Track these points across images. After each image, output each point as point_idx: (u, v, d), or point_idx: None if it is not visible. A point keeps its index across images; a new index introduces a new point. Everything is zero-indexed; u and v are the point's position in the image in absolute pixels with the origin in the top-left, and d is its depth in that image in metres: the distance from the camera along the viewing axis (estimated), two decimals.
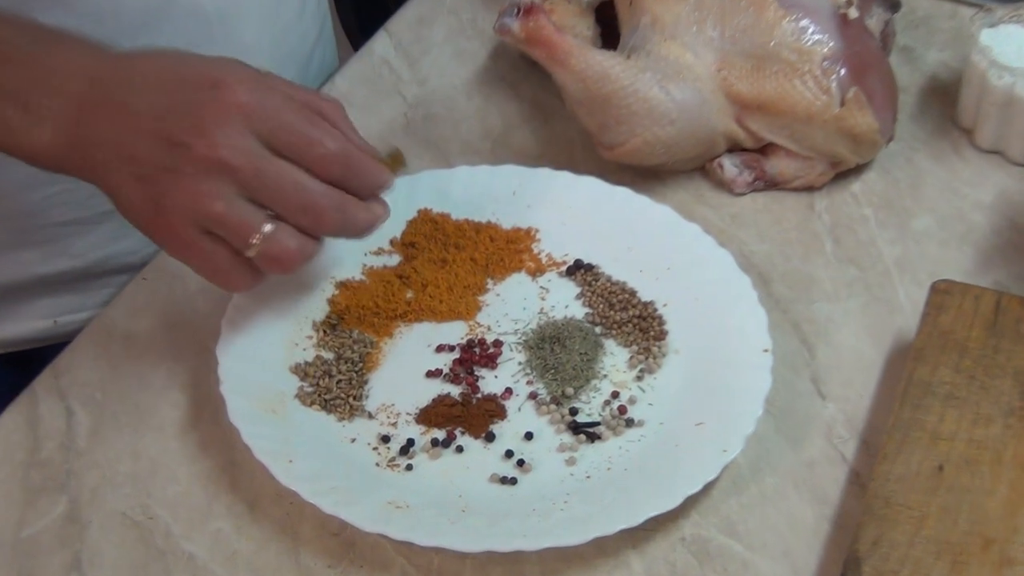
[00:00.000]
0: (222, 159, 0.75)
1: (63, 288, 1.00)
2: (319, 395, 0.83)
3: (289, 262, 0.78)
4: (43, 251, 0.99)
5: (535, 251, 0.93)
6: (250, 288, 0.80)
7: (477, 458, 0.80)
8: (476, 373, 0.85)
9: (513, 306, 0.89)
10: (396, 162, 0.85)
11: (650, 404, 0.83)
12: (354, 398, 0.83)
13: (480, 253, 0.92)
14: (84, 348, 0.89)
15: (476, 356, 0.86)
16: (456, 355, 0.86)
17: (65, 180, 0.81)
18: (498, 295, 0.90)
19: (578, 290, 0.90)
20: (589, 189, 0.94)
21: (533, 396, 0.83)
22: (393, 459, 0.80)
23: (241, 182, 0.76)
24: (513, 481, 0.79)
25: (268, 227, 0.77)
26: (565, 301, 0.90)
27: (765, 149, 0.98)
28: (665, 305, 0.88)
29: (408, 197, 0.93)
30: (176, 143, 0.76)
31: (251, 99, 0.76)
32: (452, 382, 0.84)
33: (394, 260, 0.92)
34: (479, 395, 0.83)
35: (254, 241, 0.76)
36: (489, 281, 0.91)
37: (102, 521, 0.78)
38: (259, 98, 0.77)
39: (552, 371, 0.84)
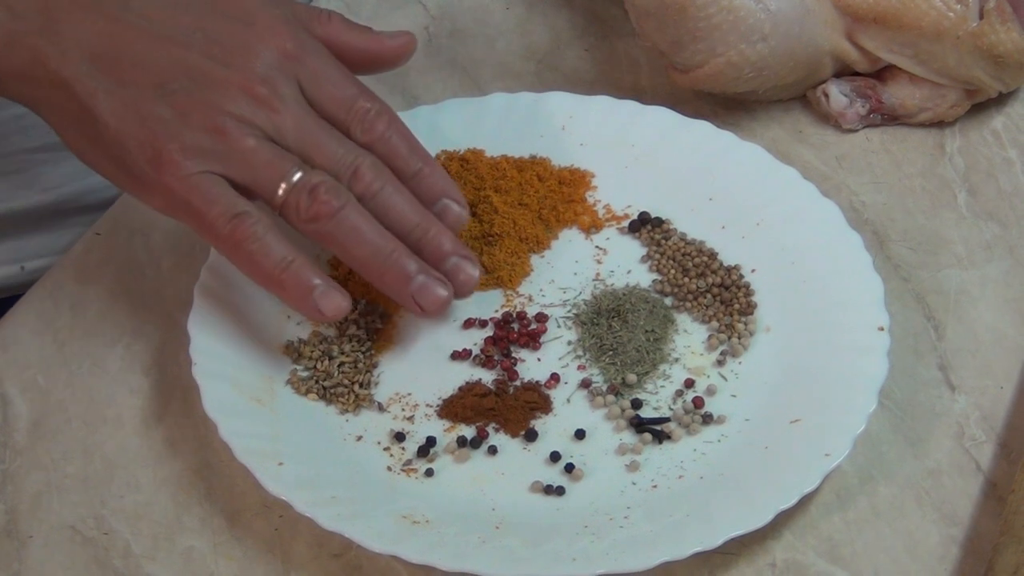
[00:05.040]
0: (259, 95, 0.78)
1: (32, 227, 1.02)
2: (316, 381, 0.84)
3: (326, 215, 0.79)
4: (9, 182, 1.00)
5: (590, 201, 0.93)
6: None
7: (515, 462, 0.81)
8: (514, 355, 0.86)
9: (561, 271, 0.90)
10: None
11: (733, 396, 0.83)
12: (360, 385, 0.84)
13: (531, 196, 0.92)
14: (23, 320, 0.90)
15: (514, 334, 0.86)
16: (489, 332, 0.87)
17: None
18: (542, 257, 0.91)
19: (643, 251, 0.91)
20: (658, 123, 0.95)
21: (586, 384, 0.84)
22: (409, 462, 0.81)
23: (275, 126, 0.78)
24: (560, 491, 0.79)
25: (298, 174, 0.79)
26: (627, 265, 0.90)
27: (883, 73, 0.98)
28: (753, 271, 0.89)
29: (427, 133, 0.94)
30: (194, 67, 0.78)
31: (294, 44, 0.79)
32: (484, 366, 0.85)
33: None
34: (518, 383, 0.84)
35: (282, 189, 0.79)
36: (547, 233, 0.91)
37: (46, 536, 0.80)
38: (301, 43, 0.80)
39: (610, 353, 0.85)
